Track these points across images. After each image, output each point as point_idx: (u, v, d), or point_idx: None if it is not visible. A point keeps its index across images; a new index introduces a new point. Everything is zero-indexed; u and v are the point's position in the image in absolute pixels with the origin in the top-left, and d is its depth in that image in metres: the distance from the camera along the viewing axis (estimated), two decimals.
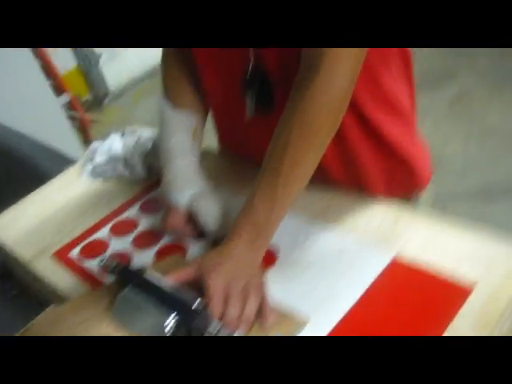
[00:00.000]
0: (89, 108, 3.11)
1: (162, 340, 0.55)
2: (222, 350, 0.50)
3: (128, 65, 3.22)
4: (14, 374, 0.47)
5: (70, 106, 2.69)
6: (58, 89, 2.58)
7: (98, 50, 3.07)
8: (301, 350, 0.50)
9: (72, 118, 2.60)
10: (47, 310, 0.68)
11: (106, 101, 3.21)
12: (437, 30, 0.53)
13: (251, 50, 0.67)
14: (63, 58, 2.89)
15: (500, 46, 0.52)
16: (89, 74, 3.14)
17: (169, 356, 0.51)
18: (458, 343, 0.47)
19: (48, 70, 2.54)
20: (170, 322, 0.56)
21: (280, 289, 0.63)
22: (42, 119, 2.18)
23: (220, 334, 0.54)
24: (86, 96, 3.19)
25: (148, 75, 3.24)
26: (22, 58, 2.18)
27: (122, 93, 3.27)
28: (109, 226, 0.85)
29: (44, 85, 2.37)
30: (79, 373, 0.48)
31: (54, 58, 2.59)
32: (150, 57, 3.03)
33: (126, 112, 3.08)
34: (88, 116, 2.79)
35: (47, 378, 0.48)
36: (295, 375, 0.47)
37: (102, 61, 3.11)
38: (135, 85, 3.29)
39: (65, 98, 2.62)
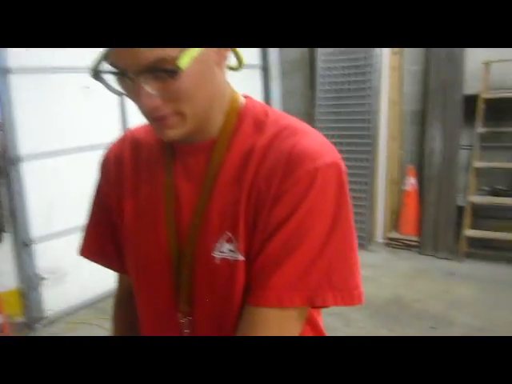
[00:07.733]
0: (20, 330, 2.90)
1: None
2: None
3: (68, 292, 3.10)
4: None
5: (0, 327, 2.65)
6: None
7: (44, 273, 3.01)
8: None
9: None
10: None
11: (39, 325, 2.99)
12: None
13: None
14: (7, 277, 2.90)
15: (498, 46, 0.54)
16: (27, 296, 2.97)
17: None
18: None
19: None
20: None
21: None
22: None
23: None
24: (20, 318, 2.98)
25: (87, 305, 3.16)
26: None
27: (57, 319, 3.06)
28: None
29: None
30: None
31: None
32: (91, 287, 3.07)
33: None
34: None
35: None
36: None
37: (44, 284, 3.02)
38: (73, 313, 3.12)
39: None
